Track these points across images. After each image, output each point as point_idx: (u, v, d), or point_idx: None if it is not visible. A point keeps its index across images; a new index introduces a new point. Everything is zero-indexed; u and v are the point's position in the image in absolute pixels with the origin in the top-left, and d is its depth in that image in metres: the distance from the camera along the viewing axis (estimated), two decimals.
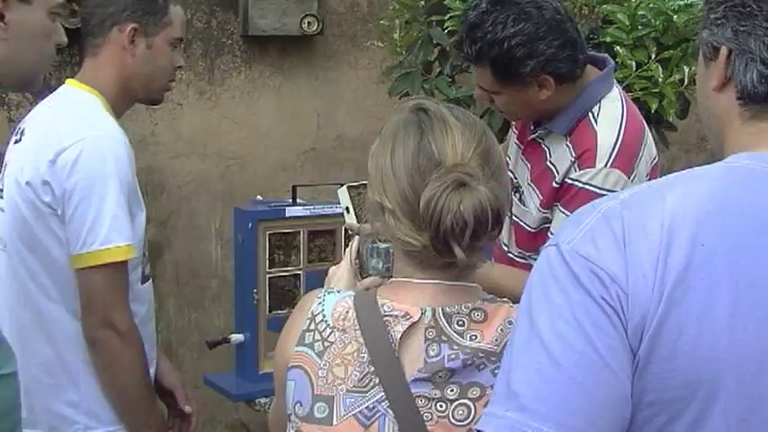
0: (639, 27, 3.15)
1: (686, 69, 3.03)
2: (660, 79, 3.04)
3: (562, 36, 2.13)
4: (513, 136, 2.44)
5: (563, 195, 2.18)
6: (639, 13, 3.17)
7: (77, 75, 2.31)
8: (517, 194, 2.33)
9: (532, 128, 2.32)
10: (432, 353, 1.41)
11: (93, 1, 2.30)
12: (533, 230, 2.25)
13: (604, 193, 2.11)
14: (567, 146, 2.20)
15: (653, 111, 2.91)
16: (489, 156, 1.45)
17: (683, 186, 1.15)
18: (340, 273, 1.75)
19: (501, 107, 2.28)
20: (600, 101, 2.21)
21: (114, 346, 2.12)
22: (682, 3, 3.17)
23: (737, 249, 1.08)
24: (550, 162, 2.24)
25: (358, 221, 2.20)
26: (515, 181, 2.34)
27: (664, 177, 1.22)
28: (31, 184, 2.11)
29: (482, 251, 1.48)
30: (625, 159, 2.15)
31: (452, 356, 1.40)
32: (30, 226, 2.14)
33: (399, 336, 1.42)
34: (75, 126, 2.14)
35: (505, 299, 1.49)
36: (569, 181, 2.17)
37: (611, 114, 2.20)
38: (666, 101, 3.02)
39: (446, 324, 1.43)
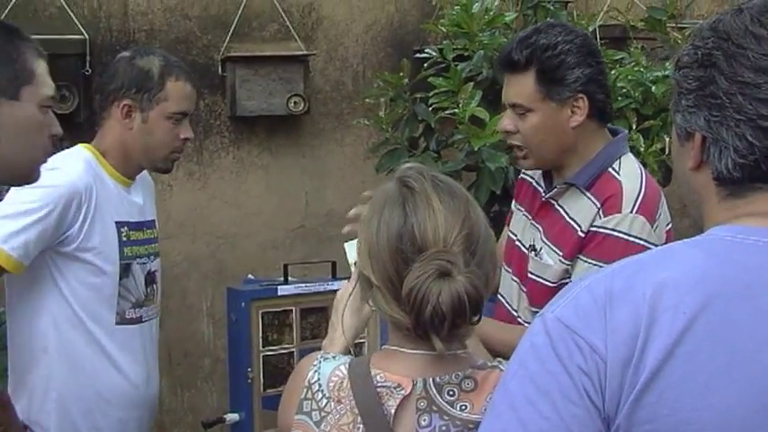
0: (619, 98, 3.23)
1: (666, 138, 3.10)
2: (642, 149, 3.10)
3: (602, 65, 2.27)
4: (516, 213, 2.44)
5: (587, 245, 2.17)
6: (619, 84, 3.25)
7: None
8: (533, 251, 2.30)
9: (543, 191, 2.32)
10: (423, 422, 1.44)
11: (101, 79, 2.64)
12: (554, 285, 2.19)
13: (631, 239, 2.11)
14: (589, 197, 2.21)
15: None
16: (472, 238, 1.46)
17: (665, 259, 1.19)
18: (346, 299, 1.78)
19: (526, 134, 2.25)
20: (620, 158, 2.26)
21: None
22: (659, 74, 3.25)
23: (717, 317, 1.11)
24: (570, 218, 2.23)
25: None
26: (527, 246, 2.32)
27: (646, 252, 1.27)
28: None
29: (467, 334, 1.50)
30: (649, 208, 2.16)
31: (443, 428, 1.43)
32: None
33: (394, 410, 1.45)
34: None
35: (496, 362, 1.51)
36: (594, 229, 2.16)
37: (632, 168, 2.25)
38: (649, 169, 3.08)
39: (437, 394, 1.45)
